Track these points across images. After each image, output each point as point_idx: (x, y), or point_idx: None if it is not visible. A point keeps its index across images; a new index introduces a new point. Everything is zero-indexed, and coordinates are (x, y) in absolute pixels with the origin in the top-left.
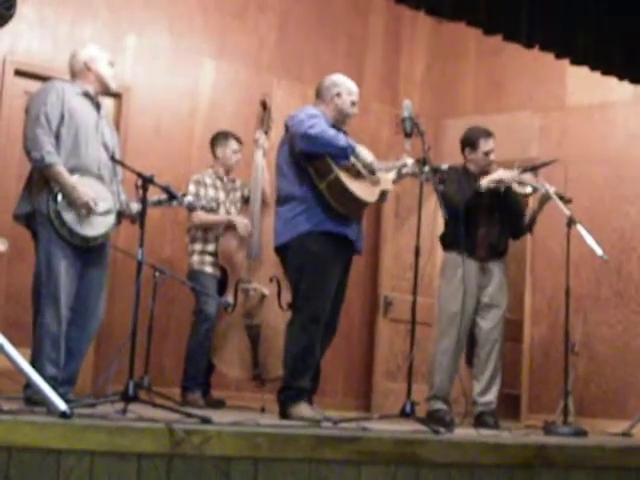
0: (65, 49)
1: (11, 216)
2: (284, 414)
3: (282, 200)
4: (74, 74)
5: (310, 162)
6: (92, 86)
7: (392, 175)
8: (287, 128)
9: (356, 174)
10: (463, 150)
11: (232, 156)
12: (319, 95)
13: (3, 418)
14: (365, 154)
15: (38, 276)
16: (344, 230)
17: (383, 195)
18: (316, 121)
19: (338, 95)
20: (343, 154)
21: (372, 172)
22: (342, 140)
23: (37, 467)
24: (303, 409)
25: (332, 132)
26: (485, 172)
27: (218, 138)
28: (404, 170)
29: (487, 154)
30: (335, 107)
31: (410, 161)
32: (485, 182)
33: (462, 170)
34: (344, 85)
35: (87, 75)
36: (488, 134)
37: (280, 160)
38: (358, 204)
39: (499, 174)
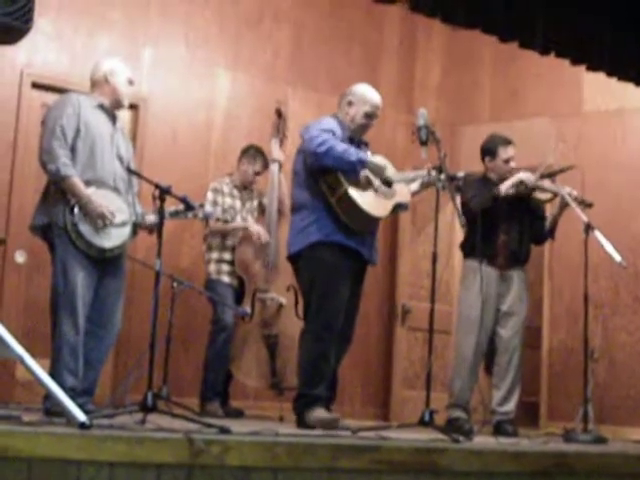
0: (82, 62)
1: (28, 228)
2: (301, 422)
3: (296, 208)
4: (93, 84)
5: (322, 175)
6: (107, 99)
7: (415, 186)
8: (302, 138)
9: (369, 188)
10: (483, 159)
11: (251, 177)
12: (338, 103)
13: (23, 430)
14: (382, 165)
15: (55, 287)
16: (354, 243)
17: (399, 207)
18: (325, 137)
19: (349, 104)
20: (352, 169)
21: (388, 184)
22: (352, 155)
23: (57, 478)
24: (320, 413)
25: (340, 148)
26: (505, 180)
27: (248, 152)
28: (425, 179)
29: (507, 162)
30: (346, 116)
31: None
32: (504, 187)
33: (482, 178)
34: (359, 95)
35: (104, 87)
36: (507, 142)
37: (296, 168)
38: (368, 219)
39: (518, 176)
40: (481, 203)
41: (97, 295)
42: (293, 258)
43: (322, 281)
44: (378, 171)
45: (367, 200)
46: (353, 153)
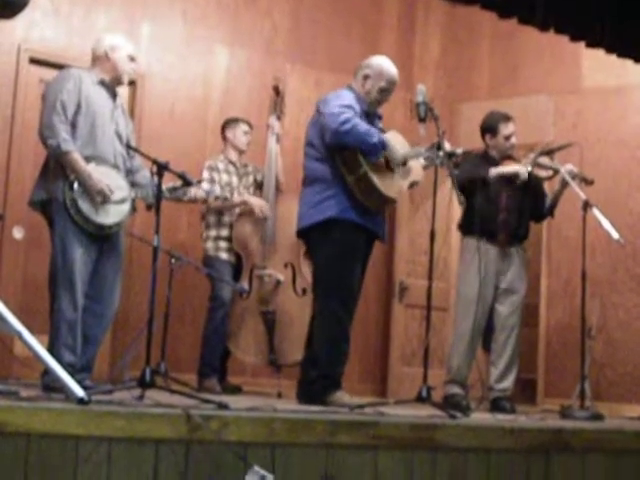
0: (79, 37)
1: (26, 203)
2: (322, 402)
3: (310, 181)
4: (94, 59)
5: (339, 152)
6: (108, 75)
7: (422, 161)
8: (319, 111)
9: (386, 168)
10: (483, 136)
11: (242, 137)
12: (354, 74)
13: (22, 405)
14: (398, 144)
15: (54, 263)
16: (367, 221)
17: (413, 185)
18: (348, 115)
19: (366, 77)
20: (374, 151)
21: (404, 163)
22: (374, 137)
23: (56, 453)
24: (343, 396)
25: (363, 128)
26: (507, 157)
27: (228, 122)
28: (432, 154)
29: (508, 138)
30: (362, 89)
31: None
32: (495, 172)
33: (482, 155)
34: (376, 69)
35: (105, 63)
36: (507, 118)
37: (311, 141)
38: (384, 201)
39: (516, 169)
40: (467, 178)
41: (96, 272)
42: (304, 231)
43: (339, 260)
44: (396, 153)
45: (385, 181)
46: (375, 134)
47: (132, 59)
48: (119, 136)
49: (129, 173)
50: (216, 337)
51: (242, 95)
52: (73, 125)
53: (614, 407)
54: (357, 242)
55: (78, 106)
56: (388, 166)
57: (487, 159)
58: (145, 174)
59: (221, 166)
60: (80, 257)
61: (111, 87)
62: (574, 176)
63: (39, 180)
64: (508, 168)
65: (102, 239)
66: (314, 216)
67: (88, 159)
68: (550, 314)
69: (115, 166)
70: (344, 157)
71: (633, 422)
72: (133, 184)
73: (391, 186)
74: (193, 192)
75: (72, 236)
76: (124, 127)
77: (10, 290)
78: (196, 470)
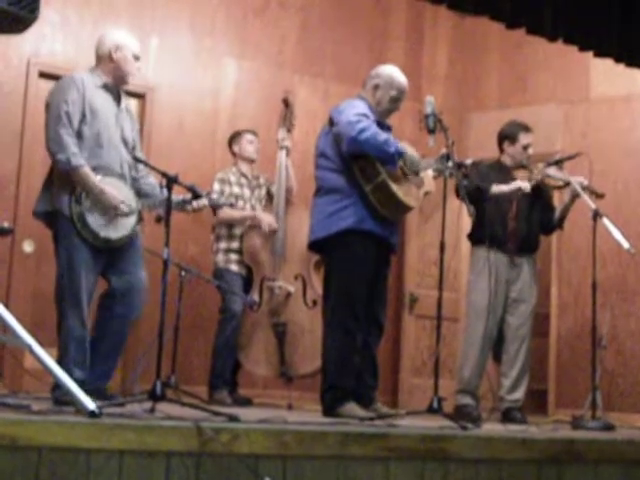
0: (88, 51)
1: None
2: (332, 414)
3: (324, 191)
4: (97, 59)
5: (356, 161)
6: (110, 75)
7: (430, 172)
8: (332, 121)
9: (402, 177)
10: (501, 143)
11: (248, 146)
12: (364, 84)
13: (33, 418)
14: (416, 157)
15: (60, 279)
16: (383, 231)
17: (426, 195)
18: (366, 124)
19: (376, 87)
20: (391, 160)
21: (417, 173)
22: (392, 146)
23: (67, 467)
24: (354, 408)
25: (382, 137)
26: (521, 166)
27: (233, 137)
28: (441, 166)
29: (526, 148)
30: (373, 98)
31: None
32: (497, 190)
33: (495, 164)
34: (387, 78)
35: (107, 64)
36: (527, 129)
37: (324, 151)
38: (402, 209)
39: (516, 184)
40: (469, 190)
41: (119, 278)
42: (319, 242)
43: (353, 270)
44: (412, 162)
45: (402, 190)
46: (392, 144)
47: (137, 58)
48: (125, 142)
49: (135, 181)
50: (227, 349)
51: (251, 107)
52: (79, 135)
53: (626, 417)
54: (372, 253)
55: (83, 115)
56: (404, 176)
57: (500, 168)
58: (150, 181)
59: (233, 178)
60: (85, 272)
61: (115, 90)
62: (584, 188)
63: (43, 191)
64: (510, 186)
65: (107, 252)
66: (329, 227)
67: (94, 170)
68: (561, 324)
69: (122, 176)
70: (361, 166)
71: None
72: (139, 192)
73: (409, 194)
74: (198, 202)
75: (77, 251)
76: (130, 131)
77: (20, 303)
78: None
